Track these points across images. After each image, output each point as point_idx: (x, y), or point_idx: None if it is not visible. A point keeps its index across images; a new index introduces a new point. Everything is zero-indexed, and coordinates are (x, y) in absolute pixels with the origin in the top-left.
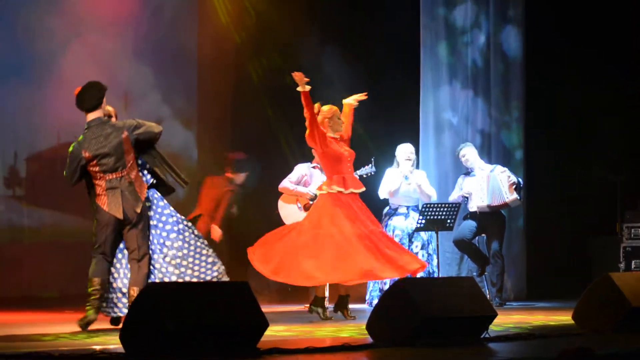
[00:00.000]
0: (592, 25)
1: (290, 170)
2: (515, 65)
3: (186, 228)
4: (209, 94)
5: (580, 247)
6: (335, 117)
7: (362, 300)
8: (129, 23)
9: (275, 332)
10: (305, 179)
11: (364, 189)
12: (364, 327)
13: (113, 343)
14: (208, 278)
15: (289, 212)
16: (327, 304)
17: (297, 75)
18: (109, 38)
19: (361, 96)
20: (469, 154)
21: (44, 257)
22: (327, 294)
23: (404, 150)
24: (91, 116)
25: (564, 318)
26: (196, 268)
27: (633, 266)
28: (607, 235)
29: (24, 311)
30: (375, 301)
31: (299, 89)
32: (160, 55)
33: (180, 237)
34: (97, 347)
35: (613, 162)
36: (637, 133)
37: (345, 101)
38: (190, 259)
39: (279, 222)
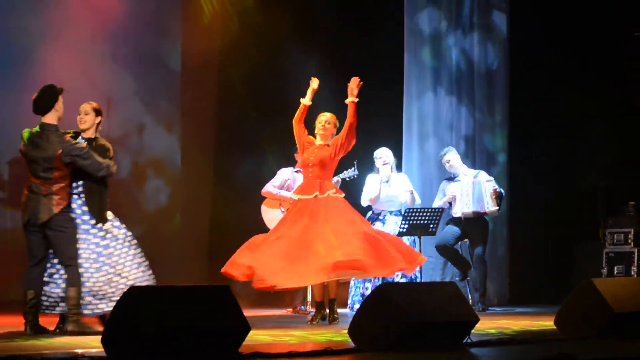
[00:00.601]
0: (576, 30)
1: (273, 174)
2: (499, 69)
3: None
4: (192, 99)
5: (562, 253)
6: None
7: (343, 304)
8: (112, 28)
9: (257, 337)
10: (289, 183)
11: (316, 193)
12: (346, 331)
13: (95, 346)
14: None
15: (272, 216)
16: (309, 307)
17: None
18: (91, 43)
19: (355, 84)
20: (453, 159)
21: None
22: (309, 297)
23: (379, 155)
24: (47, 119)
25: (546, 323)
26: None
27: (615, 272)
28: (590, 240)
29: (8, 315)
30: (357, 306)
31: (350, 100)
32: (142, 60)
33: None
34: (79, 351)
35: (596, 167)
36: (621, 139)
37: (348, 101)
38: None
39: (261, 227)
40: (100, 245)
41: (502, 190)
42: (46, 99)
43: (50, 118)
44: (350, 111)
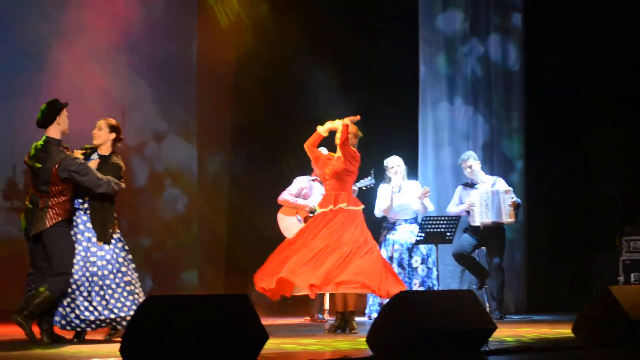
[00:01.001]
0: (592, 35)
1: (289, 183)
2: (515, 75)
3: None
4: (208, 107)
5: (580, 261)
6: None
7: (361, 313)
8: (128, 37)
9: (275, 345)
10: (305, 191)
11: (330, 206)
12: (364, 339)
13: (113, 355)
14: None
15: (289, 224)
16: (327, 316)
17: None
18: (107, 51)
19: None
20: (474, 164)
21: None
22: (327, 306)
23: (390, 164)
24: (49, 133)
25: (564, 331)
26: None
27: (632, 279)
28: (607, 248)
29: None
30: (375, 314)
31: (344, 121)
32: (158, 69)
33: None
34: None
35: (613, 175)
36: (638, 147)
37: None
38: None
39: (277, 235)
40: (96, 265)
41: (520, 201)
42: (49, 113)
43: (53, 132)
44: (340, 132)
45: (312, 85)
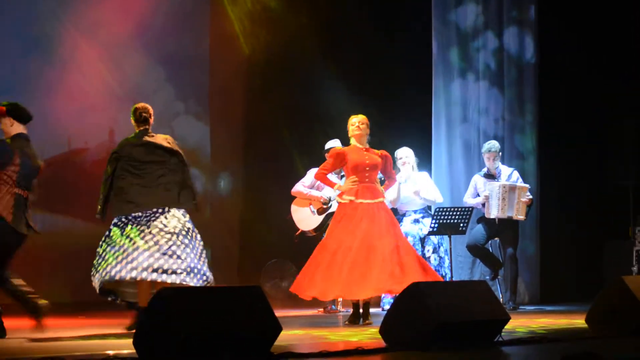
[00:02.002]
0: (606, 28)
1: (300, 173)
2: (528, 69)
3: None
4: (221, 99)
5: (593, 251)
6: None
7: (375, 304)
8: (139, 28)
9: (288, 337)
10: (319, 183)
11: (381, 198)
12: (378, 331)
13: (126, 348)
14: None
15: (302, 216)
16: (340, 307)
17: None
18: (118, 41)
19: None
20: (496, 154)
21: (57, 262)
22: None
23: (399, 155)
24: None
25: (578, 322)
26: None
27: None
28: (620, 238)
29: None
30: (388, 306)
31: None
32: (172, 60)
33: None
34: (111, 352)
35: (627, 165)
36: None
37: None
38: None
39: (290, 227)
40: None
41: (533, 198)
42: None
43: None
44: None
45: (324, 78)
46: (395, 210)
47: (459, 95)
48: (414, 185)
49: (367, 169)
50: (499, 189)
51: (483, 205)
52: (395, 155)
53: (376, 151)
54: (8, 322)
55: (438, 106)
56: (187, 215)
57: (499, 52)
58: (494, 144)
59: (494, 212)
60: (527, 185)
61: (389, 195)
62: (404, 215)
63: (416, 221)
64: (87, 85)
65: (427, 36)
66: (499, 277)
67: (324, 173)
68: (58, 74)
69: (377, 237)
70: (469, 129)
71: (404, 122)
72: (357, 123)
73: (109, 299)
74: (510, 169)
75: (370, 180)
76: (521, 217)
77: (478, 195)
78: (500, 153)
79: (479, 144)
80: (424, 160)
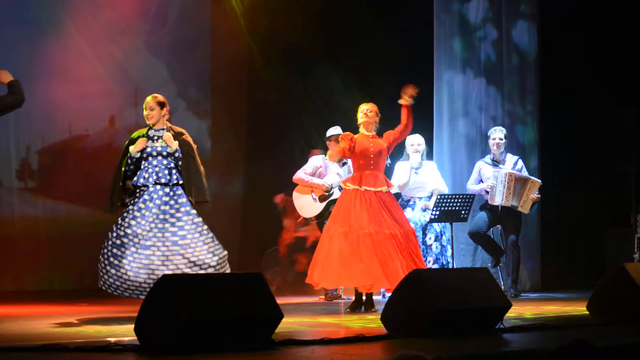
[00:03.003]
0: (607, 16)
1: (301, 162)
2: (529, 59)
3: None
4: (223, 86)
5: (595, 238)
6: (371, 112)
7: (377, 292)
8: (141, 16)
9: (290, 324)
10: (320, 170)
11: (384, 187)
12: (379, 318)
13: (128, 335)
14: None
15: (304, 203)
16: (342, 294)
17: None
18: (120, 31)
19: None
20: (504, 139)
21: (58, 249)
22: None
23: (411, 142)
24: None
25: (579, 309)
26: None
27: None
28: (622, 226)
29: (39, 304)
30: (389, 293)
31: (404, 102)
32: (173, 48)
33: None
34: (112, 339)
35: (629, 153)
36: None
37: (403, 102)
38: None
39: (293, 213)
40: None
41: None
42: None
43: None
44: (405, 114)
45: (327, 68)
46: (398, 195)
47: (461, 86)
48: (426, 172)
49: (372, 156)
50: (505, 176)
51: (486, 192)
52: (406, 142)
53: (382, 138)
54: (7, 310)
55: (440, 97)
56: None
57: (499, 42)
58: (501, 128)
59: (497, 200)
60: (539, 181)
61: (399, 179)
62: (408, 201)
63: (421, 209)
64: (88, 71)
65: (430, 25)
66: (500, 264)
67: (339, 156)
68: (59, 60)
69: (376, 226)
70: (470, 119)
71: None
72: (365, 110)
73: None
74: (516, 157)
75: (375, 167)
76: (525, 210)
77: (482, 181)
78: (504, 139)
79: (480, 134)
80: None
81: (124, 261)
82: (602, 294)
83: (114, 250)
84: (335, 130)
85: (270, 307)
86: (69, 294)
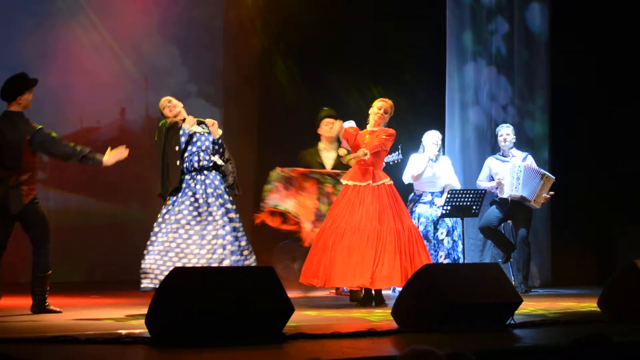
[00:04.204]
0: (620, 9)
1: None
2: (541, 52)
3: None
4: (235, 76)
5: (605, 234)
6: (381, 109)
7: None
8: (154, 2)
9: (300, 318)
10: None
11: (369, 182)
12: (390, 312)
13: (138, 327)
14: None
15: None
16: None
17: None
18: (131, 20)
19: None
20: (511, 134)
21: (70, 241)
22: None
23: (431, 136)
24: (11, 107)
25: (590, 305)
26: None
27: None
28: (633, 222)
29: (50, 295)
30: (400, 288)
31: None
32: (186, 35)
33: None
34: (123, 331)
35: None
36: None
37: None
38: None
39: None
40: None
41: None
42: (11, 88)
43: (14, 108)
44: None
45: (341, 57)
46: (410, 189)
47: (472, 75)
48: (440, 167)
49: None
50: (512, 168)
51: (496, 188)
52: (424, 137)
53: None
54: (17, 302)
55: (452, 88)
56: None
57: (511, 35)
58: (508, 125)
59: (506, 191)
60: (553, 178)
61: (414, 169)
62: (420, 196)
63: (431, 203)
64: (99, 63)
65: (442, 18)
66: (511, 259)
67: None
68: (71, 52)
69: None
70: (481, 112)
71: (418, 103)
72: (375, 107)
73: None
74: (525, 153)
75: (367, 163)
76: (537, 205)
77: (492, 178)
78: (512, 135)
79: (490, 128)
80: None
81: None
82: (613, 290)
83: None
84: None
85: (281, 301)
86: (78, 286)
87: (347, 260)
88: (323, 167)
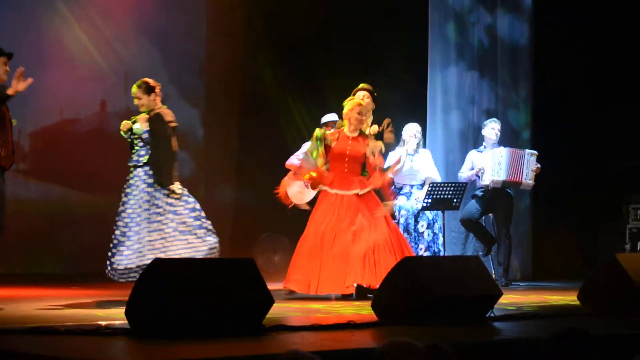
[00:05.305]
0: (603, 6)
1: (294, 149)
2: (522, 47)
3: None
4: (216, 74)
5: (586, 228)
6: (361, 114)
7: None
8: (136, 3)
9: (280, 310)
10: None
11: (356, 190)
12: (370, 305)
13: (118, 318)
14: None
15: (295, 189)
16: None
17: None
18: (113, 16)
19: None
20: (497, 128)
21: (49, 232)
22: None
23: (410, 128)
24: None
25: (570, 298)
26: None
27: (639, 247)
28: (614, 216)
29: (30, 287)
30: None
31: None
32: (166, 34)
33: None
34: (103, 323)
35: (621, 143)
36: None
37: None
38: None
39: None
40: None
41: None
42: None
43: None
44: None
45: (322, 54)
46: (391, 183)
47: (455, 78)
48: (420, 159)
49: (347, 159)
50: (493, 154)
51: (477, 177)
52: (404, 129)
53: (366, 139)
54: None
55: (433, 90)
56: None
57: (493, 27)
58: (498, 120)
59: (487, 178)
60: (536, 152)
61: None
62: (400, 189)
63: (409, 195)
64: (80, 56)
65: (424, 12)
66: (491, 253)
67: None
68: (52, 45)
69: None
70: (462, 112)
71: (400, 97)
72: (353, 111)
73: None
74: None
75: (350, 171)
76: (531, 182)
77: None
78: (497, 125)
79: (472, 128)
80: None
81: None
82: (593, 284)
83: None
84: (331, 116)
85: (261, 293)
86: (59, 277)
87: (337, 266)
88: None
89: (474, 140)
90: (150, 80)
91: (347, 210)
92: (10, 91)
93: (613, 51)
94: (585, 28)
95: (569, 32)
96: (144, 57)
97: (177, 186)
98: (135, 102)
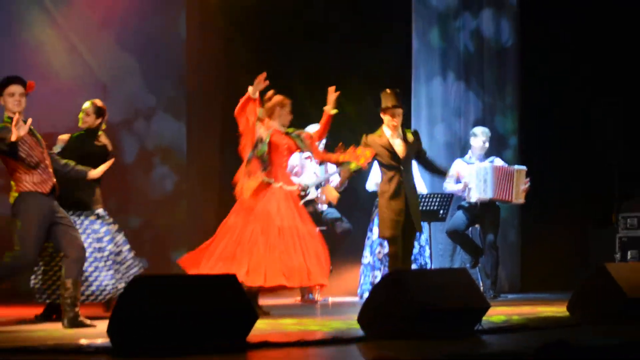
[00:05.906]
0: (588, 6)
1: None
2: (509, 49)
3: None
4: (199, 83)
5: (575, 238)
6: (285, 109)
7: (353, 293)
8: (111, 7)
9: (265, 325)
10: (297, 169)
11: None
12: (356, 319)
13: (100, 337)
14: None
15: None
16: (317, 296)
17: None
18: (91, 28)
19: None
20: (484, 140)
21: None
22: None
23: None
24: None
25: (559, 309)
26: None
27: (629, 257)
28: (603, 225)
29: (15, 306)
30: (367, 294)
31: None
32: (146, 44)
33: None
34: (84, 341)
35: (610, 150)
36: (637, 120)
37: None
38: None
39: None
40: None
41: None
42: None
43: None
44: (326, 121)
45: (304, 61)
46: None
47: (440, 90)
48: None
49: (285, 154)
50: (477, 171)
51: (464, 191)
52: None
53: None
54: None
55: (418, 102)
56: None
57: (478, 33)
58: (479, 128)
59: (474, 195)
60: (524, 168)
61: (378, 177)
62: None
63: None
64: (55, 68)
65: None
66: (479, 264)
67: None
68: (27, 57)
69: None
70: (447, 125)
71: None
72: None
73: None
74: (492, 157)
75: (286, 165)
76: (520, 201)
77: (459, 181)
78: (482, 141)
79: (459, 141)
80: None
81: None
82: (583, 294)
83: None
84: (315, 128)
85: (244, 309)
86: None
87: (288, 259)
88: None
89: (460, 151)
90: (104, 107)
91: (287, 203)
92: (13, 138)
93: (603, 47)
94: (573, 24)
95: (555, 28)
96: (121, 66)
97: None
98: (83, 115)
